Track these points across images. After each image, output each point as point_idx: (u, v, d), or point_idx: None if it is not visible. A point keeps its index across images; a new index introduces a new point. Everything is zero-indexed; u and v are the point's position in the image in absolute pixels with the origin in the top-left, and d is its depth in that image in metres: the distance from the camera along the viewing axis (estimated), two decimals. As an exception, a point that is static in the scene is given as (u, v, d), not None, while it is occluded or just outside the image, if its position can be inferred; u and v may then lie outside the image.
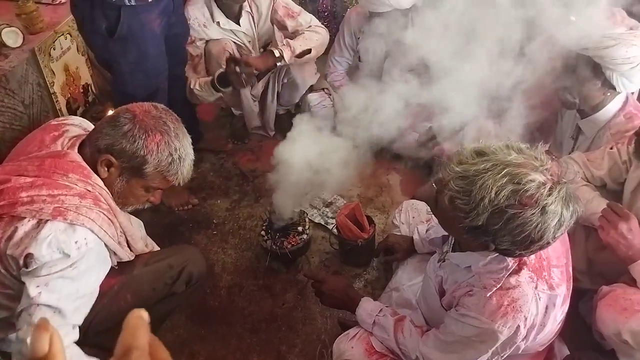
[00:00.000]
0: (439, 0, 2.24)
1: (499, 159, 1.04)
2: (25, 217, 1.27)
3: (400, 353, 1.44)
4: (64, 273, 1.28)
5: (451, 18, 2.53)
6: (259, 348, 1.97)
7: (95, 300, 1.41)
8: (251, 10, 2.57)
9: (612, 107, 1.77)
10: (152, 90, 2.19)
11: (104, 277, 1.43)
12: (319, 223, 2.45)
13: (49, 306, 1.30)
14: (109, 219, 1.39)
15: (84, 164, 1.36)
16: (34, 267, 1.25)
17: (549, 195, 1.01)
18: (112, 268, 1.59)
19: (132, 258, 1.59)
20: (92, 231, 1.32)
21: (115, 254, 1.49)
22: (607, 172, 1.69)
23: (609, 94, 1.74)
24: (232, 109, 3.00)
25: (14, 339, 1.25)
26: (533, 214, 1.01)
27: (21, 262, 1.26)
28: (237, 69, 2.32)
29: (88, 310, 1.39)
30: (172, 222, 2.50)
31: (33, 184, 1.29)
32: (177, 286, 1.71)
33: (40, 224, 1.27)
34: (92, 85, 2.95)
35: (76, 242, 1.29)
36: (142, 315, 0.50)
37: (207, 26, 2.51)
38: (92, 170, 1.37)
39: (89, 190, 1.35)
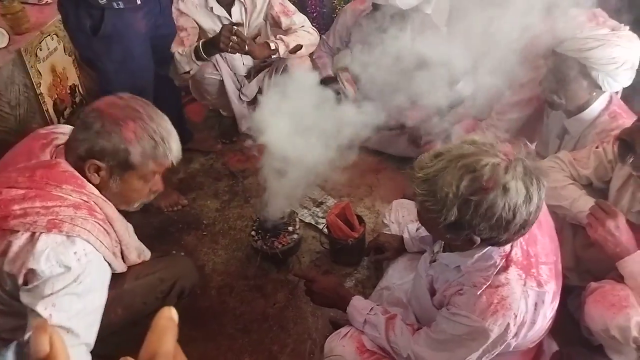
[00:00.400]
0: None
1: (453, 154, 1.09)
2: (18, 231, 1.22)
3: (392, 351, 1.45)
4: (69, 289, 1.24)
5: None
6: (250, 348, 1.97)
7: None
8: (244, 2, 2.57)
9: (597, 106, 1.80)
10: (137, 91, 2.17)
11: (107, 289, 1.38)
12: (310, 223, 2.46)
13: (60, 327, 1.25)
14: (105, 229, 1.36)
15: (76, 173, 1.32)
16: (36, 283, 1.21)
17: (506, 173, 1.04)
18: None
19: (124, 270, 1.55)
20: (89, 242, 1.29)
21: (109, 265, 1.45)
22: (593, 171, 1.71)
23: (594, 93, 1.76)
24: (220, 110, 3.00)
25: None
26: (496, 195, 1.04)
27: (21, 279, 1.22)
28: (232, 37, 2.26)
29: (98, 326, 1.35)
30: (162, 222, 2.49)
31: (25, 196, 1.25)
32: (168, 300, 1.68)
33: (35, 236, 1.22)
34: (80, 86, 2.92)
35: (75, 253, 1.25)
36: (172, 317, 0.48)
37: (198, 8, 2.51)
38: (86, 180, 1.33)
39: (84, 201, 1.31)
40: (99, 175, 1.35)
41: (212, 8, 2.52)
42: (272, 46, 2.52)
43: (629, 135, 1.50)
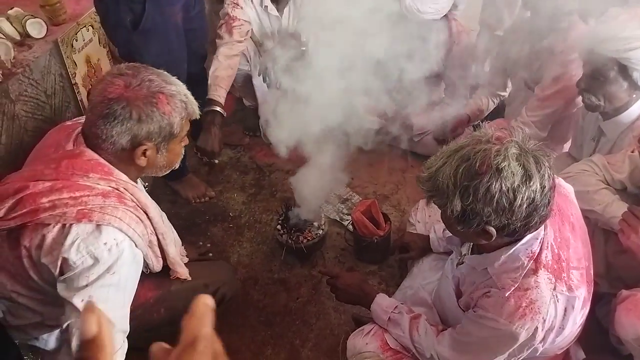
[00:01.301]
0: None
1: (450, 149, 1.13)
2: (50, 224, 1.23)
3: (415, 351, 1.44)
4: (104, 281, 1.25)
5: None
6: (272, 341, 1.99)
7: (130, 310, 1.37)
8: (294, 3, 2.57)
9: (635, 108, 1.74)
10: None
11: (138, 279, 1.39)
12: (335, 219, 2.46)
13: None
14: (138, 216, 1.35)
15: (102, 160, 1.31)
16: (70, 274, 1.23)
17: (497, 155, 1.06)
18: (149, 280, 1.58)
19: (160, 268, 1.55)
20: (121, 230, 1.28)
21: (146, 259, 1.44)
22: (628, 176, 1.67)
23: (634, 95, 1.71)
24: (243, 100, 3.02)
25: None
26: (490, 176, 1.05)
27: (57, 270, 1.24)
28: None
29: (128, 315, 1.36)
30: (189, 214, 2.53)
31: (53, 187, 1.25)
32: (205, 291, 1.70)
33: (65, 228, 1.23)
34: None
35: (105, 244, 1.24)
36: (208, 303, 0.51)
37: (253, 4, 2.53)
38: (111, 166, 1.32)
39: (113, 188, 1.31)
40: (146, 157, 1.35)
41: (266, 7, 2.55)
42: (304, 38, 2.52)
43: None
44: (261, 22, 2.62)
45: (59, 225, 1.23)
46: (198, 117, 1.43)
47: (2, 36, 2.02)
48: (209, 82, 2.40)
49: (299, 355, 1.94)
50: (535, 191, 1.07)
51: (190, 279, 1.68)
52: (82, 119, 1.49)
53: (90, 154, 1.31)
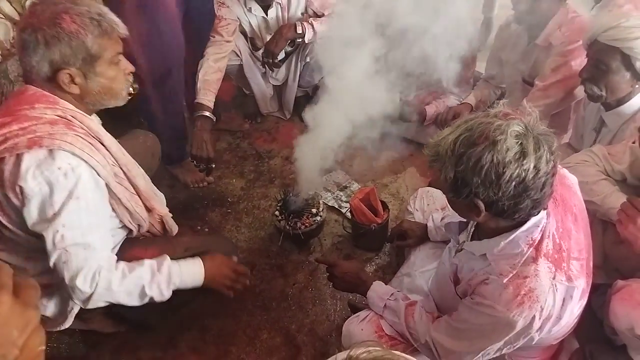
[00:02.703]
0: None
1: (459, 123, 1.15)
2: (4, 157, 1.27)
3: (410, 337, 1.44)
4: (70, 207, 1.29)
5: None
6: (268, 325, 2.00)
7: None
8: (281, 2, 2.55)
9: (638, 100, 1.73)
10: (164, 68, 2.18)
11: (107, 204, 1.43)
12: (333, 206, 2.45)
13: (76, 245, 1.32)
14: (91, 143, 1.36)
15: (45, 92, 1.34)
16: (32, 204, 1.27)
17: (497, 129, 1.07)
18: (152, 248, 1.61)
19: (144, 212, 1.58)
20: (74, 154, 1.30)
21: (115, 193, 1.45)
22: (628, 167, 1.66)
23: (637, 85, 1.70)
24: (242, 89, 3.01)
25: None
26: (485, 147, 1.06)
27: (18, 201, 1.28)
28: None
29: (110, 236, 1.44)
30: (188, 198, 2.53)
31: (3, 123, 1.29)
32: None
33: (19, 158, 1.27)
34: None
35: (59, 169, 1.28)
36: None
37: (238, 5, 2.52)
38: (57, 97, 1.35)
39: (60, 116, 1.33)
40: (76, 84, 1.35)
41: (250, 8, 2.55)
42: (299, 30, 2.50)
43: None
44: (249, 20, 2.61)
45: (13, 157, 1.28)
46: (123, 33, 1.40)
47: (2, 16, 1.99)
48: (198, 85, 2.40)
49: (294, 340, 1.94)
50: (527, 171, 1.06)
51: (175, 226, 1.76)
52: None
53: (33, 88, 1.35)
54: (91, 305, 1.43)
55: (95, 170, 1.36)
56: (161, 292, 1.49)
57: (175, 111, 2.42)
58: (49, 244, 1.32)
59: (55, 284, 1.50)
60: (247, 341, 1.95)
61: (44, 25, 1.28)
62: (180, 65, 2.28)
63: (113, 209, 1.50)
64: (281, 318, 2.02)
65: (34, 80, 1.35)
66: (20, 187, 1.27)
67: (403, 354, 0.70)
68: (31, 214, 1.30)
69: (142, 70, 2.06)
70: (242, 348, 1.92)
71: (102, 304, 1.45)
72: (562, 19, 2.09)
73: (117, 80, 1.44)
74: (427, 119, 2.67)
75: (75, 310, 1.59)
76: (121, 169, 1.48)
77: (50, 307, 1.57)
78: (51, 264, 1.35)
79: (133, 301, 1.48)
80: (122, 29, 1.40)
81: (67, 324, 1.61)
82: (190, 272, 1.57)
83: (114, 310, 1.69)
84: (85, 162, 1.33)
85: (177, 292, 1.63)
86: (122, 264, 1.46)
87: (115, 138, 1.55)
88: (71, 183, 1.29)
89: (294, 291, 2.12)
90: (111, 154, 1.44)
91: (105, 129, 1.58)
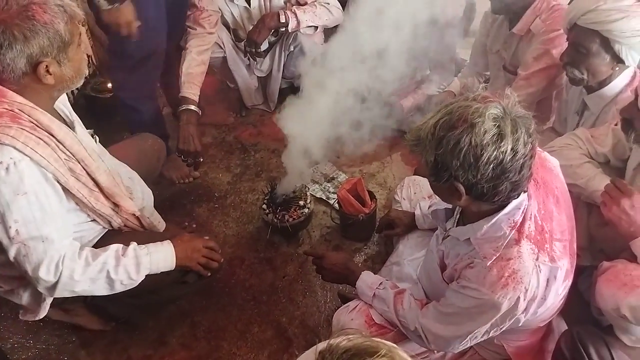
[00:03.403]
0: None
1: (441, 105, 1.16)
2: None
3: (400, 325, 1.45)
4: (20, 203, 1.29)
5: None
6: (259, 319, 1.99)
7: None
8: None
9: (619, 82, 1.74)
10: (148, 52, 2.15)
11: (61, 197, 1.42)
12: (321, 198, 2.45)
13: (33, 238, 1.32)
14: (38, 137, 1.33)
15: None
16: None
17: (475, 112, 1.08)
18: (134, 237, 1.59)
19: (109, 207, 1.57)
20: (16, 148, 1.28)
21: (75, 197, 1.44)
22: (611, 149, 1.67)
23: (617, 68, 1.71)
24: (227, 82, 2.99)
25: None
26: (463, 130, 1.07)
27: None
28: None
29: (71, 225, 1.45)
30: (174, 195, 2.51)
31: None
32: (189, 276, 1.71)
33: None
34: (93, 56, 2.92)
35: (1, 163, 1.26)
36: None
37: None
38: (6, 88, 1.32)
39: (6, 109, 1.30)
40: (50, 73, 1.33)
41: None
42: (282, 19, 2.49)
43: (628, 112, 1.48)
44: (231, 11, 2.59)
45: None
46: (82, 17, 1.40)
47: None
48: (182, 78, 2.38)
49: (285, 333, 1.94)
50: (505, 152, 1.06)
51: (158, 223, 1.78)
52: None
53: None
54: (57, 294, 1.43)
55: (41, 165, 1.34)
56: (129, 275, 1.49)
57: (150, 98, 2.40)
58: (4, 239, 1.32)
59: None
60: (238, 335, 1.94)
61: (17, 20, 1.24)
62: (162, 51, 2.25)
63: (76, 203, 1.49)
64: (272, 311, 2.02)
65: (2, 78, 1.31)
66: None
67: (384, 341, 0.70)
68: None
69: (129, 51, 2.07)
70: (234, 342, 1.92)
71: (68, 294, 1.45)
72: (540, 7, 2.09)
73: (83, 61, 1.44)
74: (406, 111, 2.67)
75: (49, 300, 1.58)
76: (79, 163, 1.45)
77: (25, 297, 1.58)
78: (11, 258, 1.35)
79: (100, 289, 1.47)
80: (79, 12, 1.38)
81: (43, 313, 1.60)
82: (159, 253, 1.56)
83: (95, 303, 1.68)
84: (28, 157, 1.31)
85: (164, 288, 1.62)
86: (86, 251, 1.45)
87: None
88: (15, 178, 1.28)
89: (283, 284, 2.12)
90: (66, 148, 1.41)
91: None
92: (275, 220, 2.17)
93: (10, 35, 1.24)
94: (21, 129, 1.30)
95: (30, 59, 1.29)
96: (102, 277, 1.45)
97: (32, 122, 1.34)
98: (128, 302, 1.68)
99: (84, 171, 1.47)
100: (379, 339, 0.70)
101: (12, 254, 1.34)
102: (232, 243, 2.29)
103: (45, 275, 1.37)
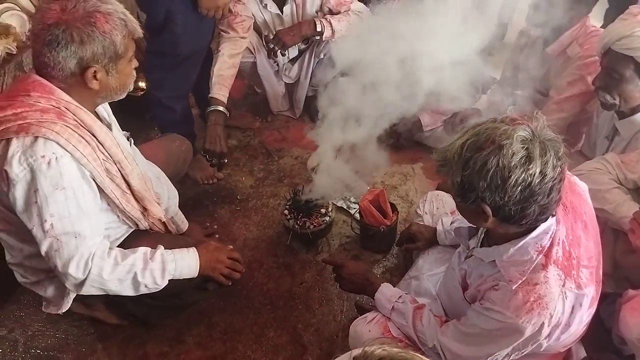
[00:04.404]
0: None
1: (468, 128, 1.16)
2: None
3: (417, 340, 1.45)
4: (57, 197, 1.32)
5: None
6: (275, 324, 2.00)
7: None
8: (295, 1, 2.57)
9: (652, 109, 1.73)
10: (192, 51, 2.21)
11: (96, 196, 1.45)
12: (342, 207, 2.46)
13: (66, 234, 1.35)
14: (81, 135, 1.38)
15: (44, 81, 1.36)
16: (16, 189, 1.30)
17: (503, 133, 1.07)
18: (160, 239, 1.62)
19: (138, 212, 1.59)
20: (59, 144, 1.32)
21: (104, 189, 1.46)
22: (641, 176, 1.66)
23: (651, 95, 1.70)
24: (254, 87, 3.02)
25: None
26: (490, 151, 1.07)
27: (5, 185, 1.31)
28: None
29: (102, 224, 1.47)
30: (197, 194, 2.54)
31: (0, 107, 1.32)
32: (210, 284, 1.74)
33: (8, 142, 1.30)
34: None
35: (43, 157, 1.30)
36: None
37: (253, 1, 2.53)
38: (55, 86, 1.36)
39: (53, 106, 1.34)
40: (97, 79, 1.37)
41: (266, 5, 2.56)
42: (319, 27, 2.52)
43: None
44: (264, 17, 2.62)
45: (3, 141, 1.30)
46: (141, 35, 1.44)
47: (18, 8, 2.02)
48: (212, 80, 2.41)
49: (300, 340, 1.95)
50: (533, 175, 1.06)
51: (182, 225, 1.83)
52: None
53: (35, 76, 1.37)
54: (84, 291, 1.46)
55: (81, 163, 1.38)
56: (155, 280, 1.51)
57: (185, 98, 2.48)
58: (38, 233, 1.35)
59: None
60: (254, 338, 1.95)
61: (79, 23, 1.29)
62: (199, 56, 2.29)
63: (108, 204, 1.52)
64: (288, 317, 2.03)
65: (48, 74, 1.35)
66: (6, 172, 1.30)
67: (419, 355, 0.70)
68: (17, 200, 1.33)
69: (167, 53, 2.13)
70: (249, 345, 1.93)
71: (94, 291, 1.47)
72: (579, 32, 2.07)
73: (129, 76, 1.48)
74: (425, 125, 2.67)
75: (72, 294, 1.61)
76: (115, 165, 1.49)
77: (50, 290, 1.61)
78: (42, 252, 1.38)
79: (126, 289, 1.50)
80: (138, 27, 1.42)
81: (66, 306, 1.64)
82: (184, 260, 1.59)
83: (115, 300, 1.71)
84: (70, 153, 1.35)
85: (184, 292, 1.64)
86: (116, 251, 1.48)
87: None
88: (55, 173, 1.32)
89: (301, 290, 2.12)
90: (105, 149, 1.45)
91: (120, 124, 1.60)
92: (296, 226, 2.18)
93: (69, 35, 1.29)
94: (66, 126, 1.34)
95: (81, 61, 1.33)
96: (129, 278, 1.48)
97: (76, 121, 1.38)
98: (148, 302, 1.70)
99: (119, 173, 1.51)
100: (413, 352, 0.70)
101: (44, 247, 1.37)
102: (252, 246, 2.31)
103: (75, 271, 1.40)
